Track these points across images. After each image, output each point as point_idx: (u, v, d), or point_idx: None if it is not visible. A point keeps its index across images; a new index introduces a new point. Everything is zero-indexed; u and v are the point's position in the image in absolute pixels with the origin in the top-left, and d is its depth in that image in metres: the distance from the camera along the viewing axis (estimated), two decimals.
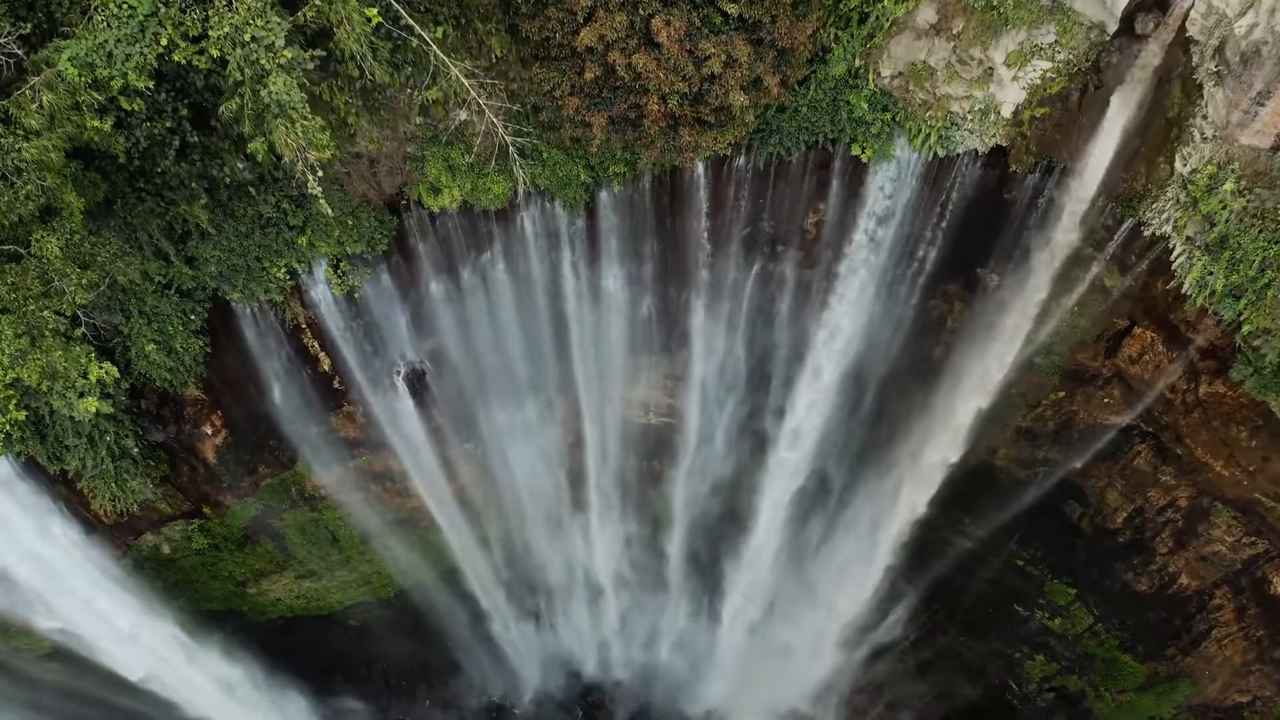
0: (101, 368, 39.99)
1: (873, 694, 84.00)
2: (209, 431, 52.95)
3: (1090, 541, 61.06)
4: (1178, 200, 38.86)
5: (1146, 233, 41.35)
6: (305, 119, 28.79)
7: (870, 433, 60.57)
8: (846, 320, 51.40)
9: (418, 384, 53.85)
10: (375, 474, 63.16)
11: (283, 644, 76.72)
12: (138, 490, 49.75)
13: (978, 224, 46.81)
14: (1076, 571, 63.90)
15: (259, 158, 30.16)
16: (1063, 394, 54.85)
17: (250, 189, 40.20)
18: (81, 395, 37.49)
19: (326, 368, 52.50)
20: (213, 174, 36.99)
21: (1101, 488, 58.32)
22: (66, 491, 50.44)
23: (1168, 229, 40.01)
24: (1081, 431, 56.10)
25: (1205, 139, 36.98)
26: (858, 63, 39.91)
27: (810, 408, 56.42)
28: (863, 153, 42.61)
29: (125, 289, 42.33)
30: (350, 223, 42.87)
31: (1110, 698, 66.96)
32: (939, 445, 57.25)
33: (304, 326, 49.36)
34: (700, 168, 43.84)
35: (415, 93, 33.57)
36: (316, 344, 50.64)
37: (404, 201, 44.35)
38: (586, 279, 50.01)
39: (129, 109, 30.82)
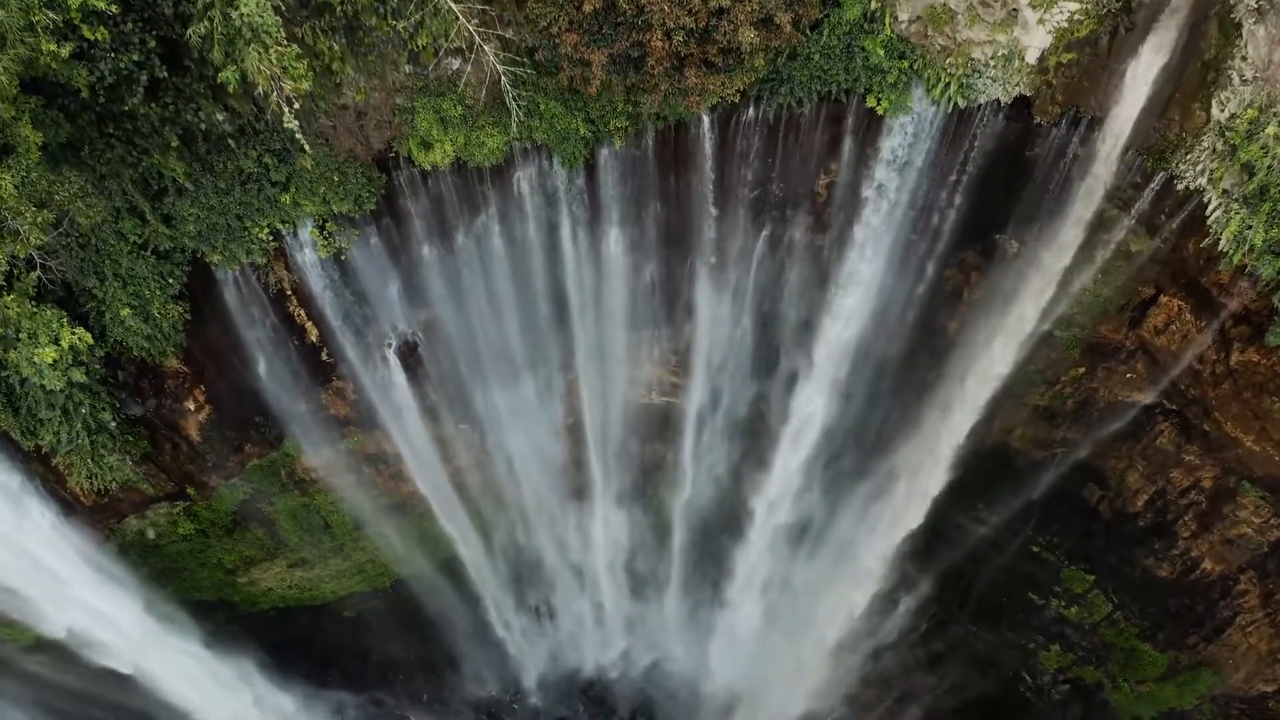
0: (74, 333, 37.49)
1: (881, 687, 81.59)
2: (191, 407, 50.58)
3: (1109, 526, 58.98)
4: (1214, 149, 36.58)
5: (1179, 186, 39.14)
6: (279, 44, 26.51)
7: (881, 412, 57.87)
8: (859, 291, 49.26)
9: (410, 357, 51.56)
10: (368, 456, 60.79)
11: (275, 636, 74.44)
12: (116, 468, 47.32)
13: (998, 184, 44.48)
14: (1095, 557, 61.66)
15: (230, 88, 27.75)
16: (1083, 370, 52.76)
17: (230, 141, 37.87)
18: (46, 347, 34.55)
19: (314, 338, 50.17)
20: (187, 120, 34.64)
21: (1122, 469, 56.13)
22: (42, 469, 47.90)
23: (1202, 181, 37.78)
24: (1102, 410, 54.06)
25: (1245, 81, 34.65)
26: (874, 5, 37.64)
27: (820, 384, 54.15)
28: (878, 104, 40.34)
29: (99, 249, 39.98)
30: (336, 179, 40.48)
31: (1129, 688, 64.66)
32: (953, 426, 54.39)
33: (289, 293, 47.08)
34: (706, 122, 41.54)
35: (403, 25, 30.84)
36: (303, 312, 48.33)
37: (393, 157, 41.93)
38: (586, 244, 47.84)
39: (92, 38, 28.26)
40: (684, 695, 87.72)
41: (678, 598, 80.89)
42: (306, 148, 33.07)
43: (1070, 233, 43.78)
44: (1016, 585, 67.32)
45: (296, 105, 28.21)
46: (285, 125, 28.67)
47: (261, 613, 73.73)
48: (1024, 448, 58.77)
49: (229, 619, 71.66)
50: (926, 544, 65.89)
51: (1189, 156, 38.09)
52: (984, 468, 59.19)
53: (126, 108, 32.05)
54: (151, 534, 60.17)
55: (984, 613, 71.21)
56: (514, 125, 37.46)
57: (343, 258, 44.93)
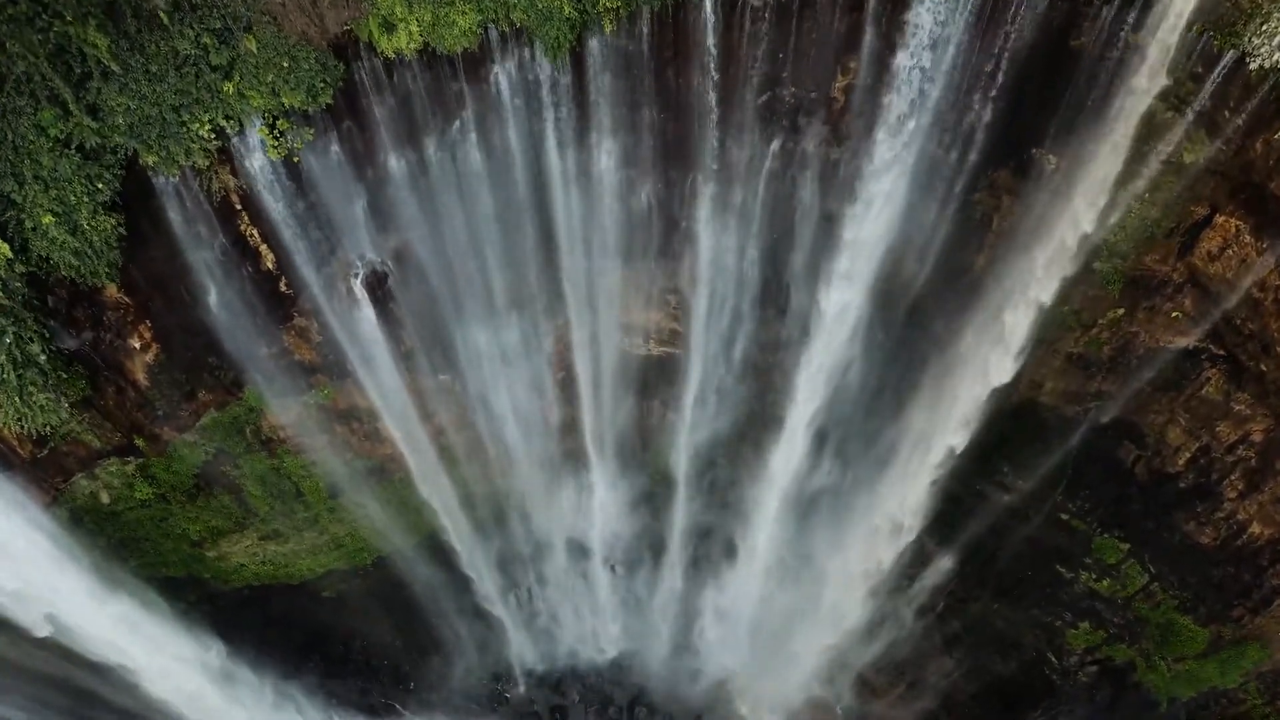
0: None
1: (893, 672, 76.07)
2: (136, 345, 45.46)
3: (1146, 489, 54.57)
4: None
5: (1251, 67, 34.24)
6: None
7: (900, 359, 52.94)
8: (879, 215, 44.48)
9: (379, 290, 46.24)
10: (339, 412, 55.83)
11: (250, 618, 69.62)
12: (49, 409, 42.19)
13: (1037, 87, 39.97)
14: (1129, 524, 57.14)
15: None
16: (1122, 311, 48.32)
17: (162, 16, 32.39)
18: None
19: (270, 265, 45.15)
20: None
21: (1161, 424, 51.74)
22: None
23: None
24: (1141, 357, 49.80)
25: None
26: None
27: (833, 328, 48.81)
28: None
29: (16, 146, 34.61)
30: (286, 65, 35.50)
31: (1165, 667, 59.95)
32: (978, 375, 50.18)
33: (239, 207, 42.07)
34: (709, 4, 35.82)
35: None
36: (256, 233, 43.33)
37: (352, 44, 36.55)
38: (574, 158, 43.13)
39: None
40: (683, 681, 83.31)
41: (678, 575, 76.64)
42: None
43: (1116, 143, 39.32)
44: (1043, 558, 62.67)
45: None
46: None
47: (235, 591, 69.11)
48: (1054, 403, 54.32)
49: (200, 598, 65.94)
50: (946, 515, 61.37)
51: (1265, 27, 33.33)
52: (1009, 428, 55.35)
53: None
54: (106, 497, 55.02)
55: (1007, 588, 66.51)
56: None
57: (296, 160, 39.78)
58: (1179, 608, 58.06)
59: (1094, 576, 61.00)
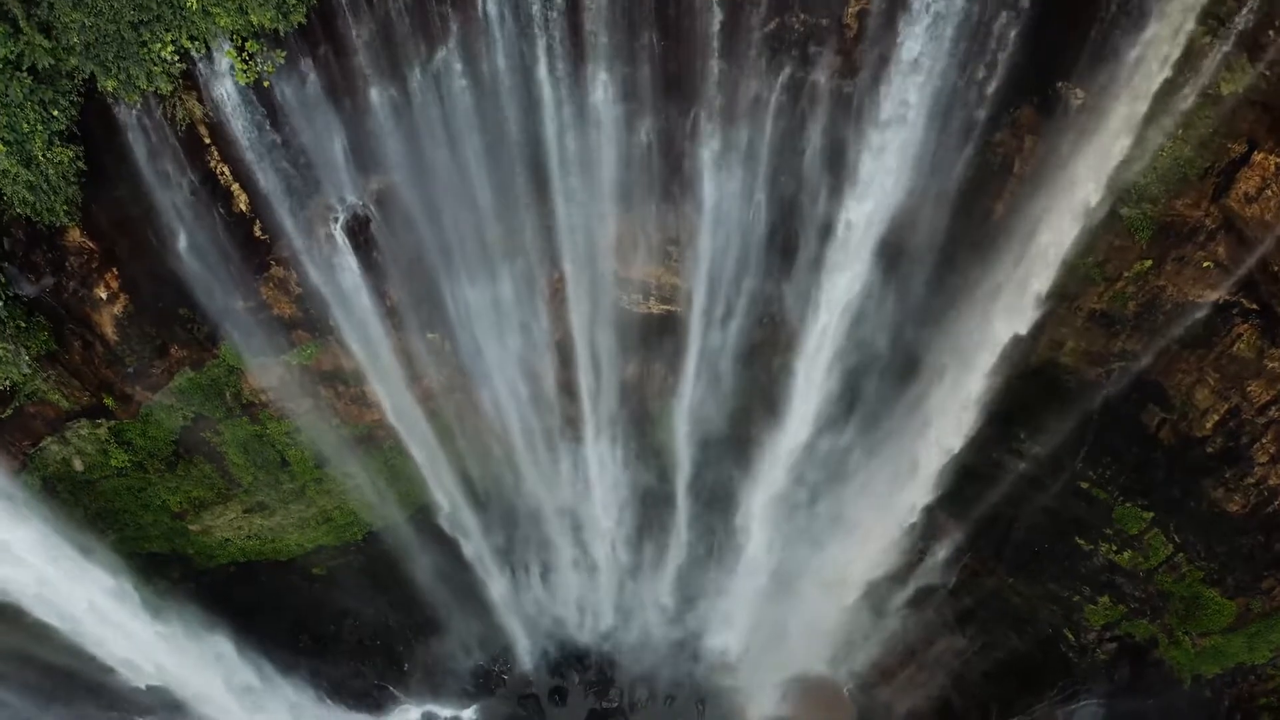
0: None
1: (903, 652, 73.39)
2: (103, 295, 42.75)
3: (1171, 454, 52.20)
4: None
5: None
6: None
7: (912, 318, 50.27)
8: (894, 154, 41.99)
9: (361, 236, 43.24)
10: (323, 374, 53.20)
11: (237, 596, 67.24)
12: (7, 360, 39.55)
13: (1063, 10, 37.47)
14: (1153, 492, 54.77)
15: None
16: (1149, 263, 45.83)
17: None
18: None
19: (244, 207, 42.39)
20: None
21: (1189, 385, 49.55)
22: None
23: None
24: (1169, 313, 47.42)
25: None
26: None
27: (845, 279, 45.65)
28: None
29: None
30: None
31: (1189, 643, 57.76)
32: (996, 332, 47.91)
33: (207, 142, 39.38)
34: None
35: None
36: (227, 171, 40.47)
37: None
38: (569, 90, 40.57)
39: None
40: (687, 661, 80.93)
41: (681, 548, 74.23)
42: None
43: (1148, 73, 36.80)
44: (1061, 529, 60.38)
45: None
46: None
47: (220, 568, 66.80)
48: (1075, 364, 51.95)
49: (184, 575, 63.25)
50: (960, 485, 59.01)
51: None
52: (1027, 391, 53.08)
53: None
54: (79, 465, 52.41)
55: (1023, 562, 64.25)
56: None
57: (267, 85, 36.58)
58: (1205, 579, 55.73)
59: (1115, 548, 58.60)
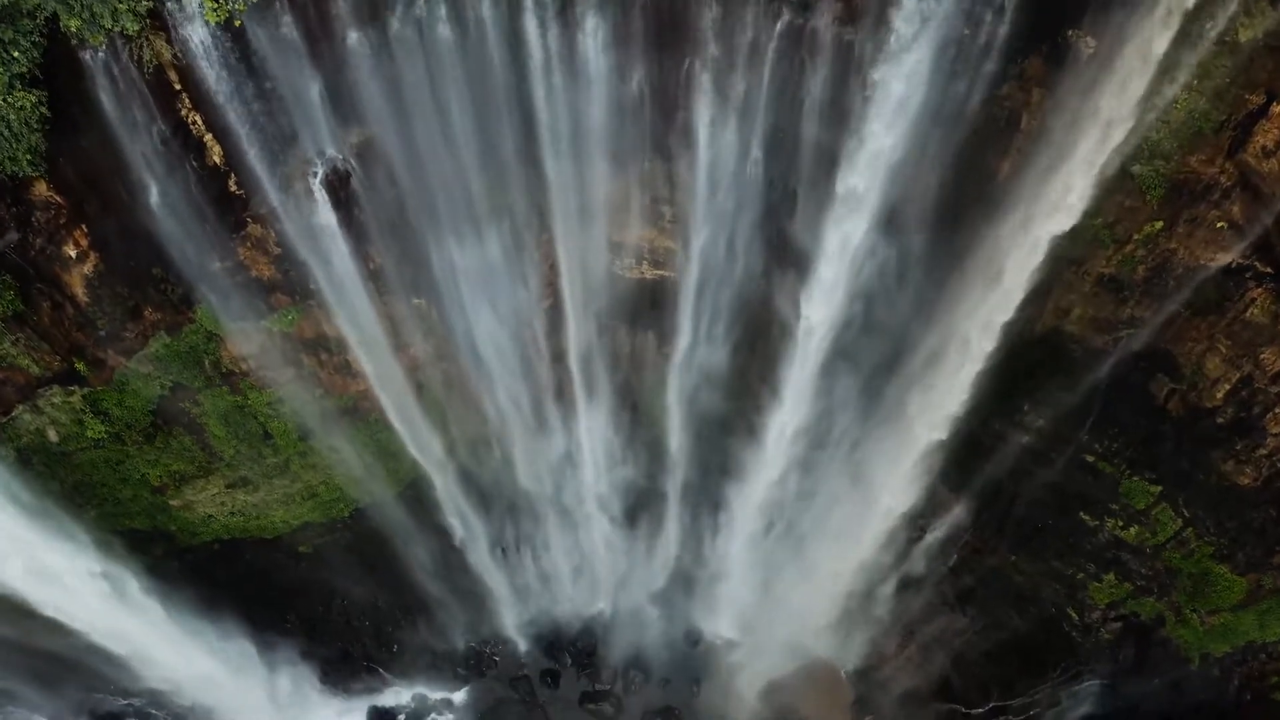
0: None
1: (902, 631, 71.91)
2: (73, 253, 40.95)
3: (1180, 425, 50.81)
4: None
5: None
6: None
7: (913, 284, 48.54)
8: (897, 108, 40.52)
9: (342, 192, 41.35)
10: (305, 341, 51.51)
11: (223, 575, 65.91)
12: None
13: None
14: (1161, 465, 53.35)
15: None
16: (1160, 225, 44.54)
17: None
18: None
19: (218, 159, 40.57)
20: None
21: (1199, 354, 48.10)
22: None
23: None
24: (1179, 277, 46.00)
25: None
26: None
27: (844, 241, 43.96)
28: None
29: None
30: None
31: (1198, 621, 56.40)
32: (1000, 300, 46.68)
33: (178, 88, 37.38)
34: None
35: None
36: (199, 119, 38.67)
37: None
38: (557, 37, 38.87)
39: None
40: (680, 643, 79.92)
41: (675, 525, 73.10)
42: None
43: (1163, 18, 35.30)
44: (1066, 504, 58.83)
45: None
46: None
47: (205, 545, 65.08)
48: (1082, 333, 50.63)
49: (167, 552, 61.86)
50: (961, 458, 57.86)
51: None
52: (1032, 361, 52.07)
53: None
54: (54, 435, 50.65)
55: (1025, 539, 62.74)
56: None
57: (239, 25, 34.48)
58: (1214, 555, 54.18)
59: (1121, 524, 57.08)
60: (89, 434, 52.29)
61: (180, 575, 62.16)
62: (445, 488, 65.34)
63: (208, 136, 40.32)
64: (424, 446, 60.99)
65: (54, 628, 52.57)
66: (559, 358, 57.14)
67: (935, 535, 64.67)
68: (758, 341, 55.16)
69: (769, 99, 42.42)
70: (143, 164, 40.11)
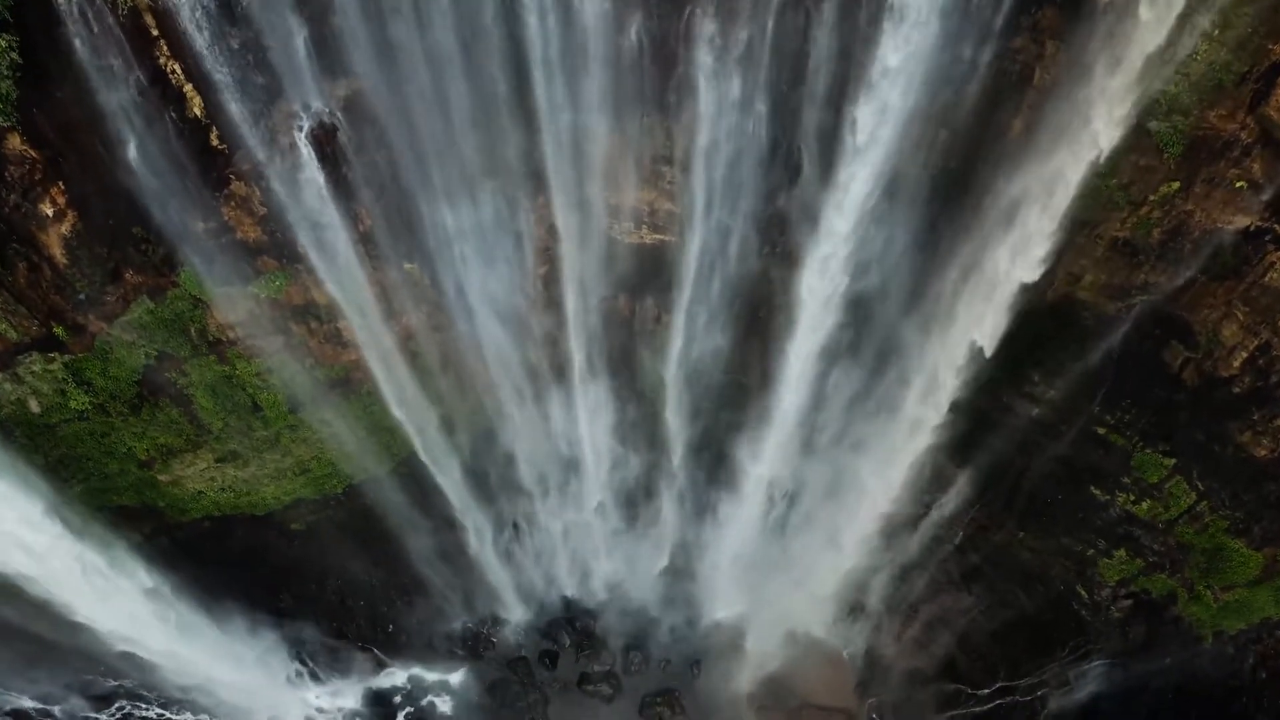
0: None
1: (907, 612, 70.45)
2: (49, 212, 39.36)
3: (1195, 395, 49.57)
4: None
5: None
6: None
7: (921, 248, 47.05)
8: (905, 59, 39.22)
9: (328, 147, 39.57)
10: (295, 309, 50.10)
11: (213, 552, 64.18)
12: None
13: None
14: (1175, 437, 52.13)
15: None
16: (1176, 186, 43.27)
17: None
18: None
19: (198, 111, 39.03)
20: None
21: (1215, 320, 46.90)
22: None
23: None
24: (1196, 240, 44.81)
25: None
26: None
27: (851, 202, 42.21)
28: None
29: None
30: None
31: (1211, 597, 55.33)
32: (1014, 262, 45.56)
33: (155, 34, 35.69)
34: None
35: None
36: (179, 69, 37.18)
37: None
38: None
39: None
40: (681, 622, 78.81)
41: (675, 503, 71.71)
42: None
43: None
44: (1075, 479, 57.61)
45: None
46: None
47: (195, 523, 63.38)
48: (1094, 299, 49.48)
49: (156, 530, 60.31)
50: (967, 432, 56.64)
51: None
52: (1042, 329, 50.92)
53: None
54: (35, 406, 49.23)
55: (1034, 515, 61.42)
56: None
57: None
58: (1230, 529, 52.94)
59: (1133, 498, 55.84)
60: (72, 405, 50.83)
61: (171, 553, 59.96)
62: (439, 462, 64.01)
63: (187, 87, 38.80)
64: (416, 419, 59.45)
65: (41, 608, 51.01)
66: (556, 327, 55.44)
67: (941, 512, 62.86)
68: (761, 307, 53.27)
69: (773, 49, 41.08)
70: (120, 116, 38.66)
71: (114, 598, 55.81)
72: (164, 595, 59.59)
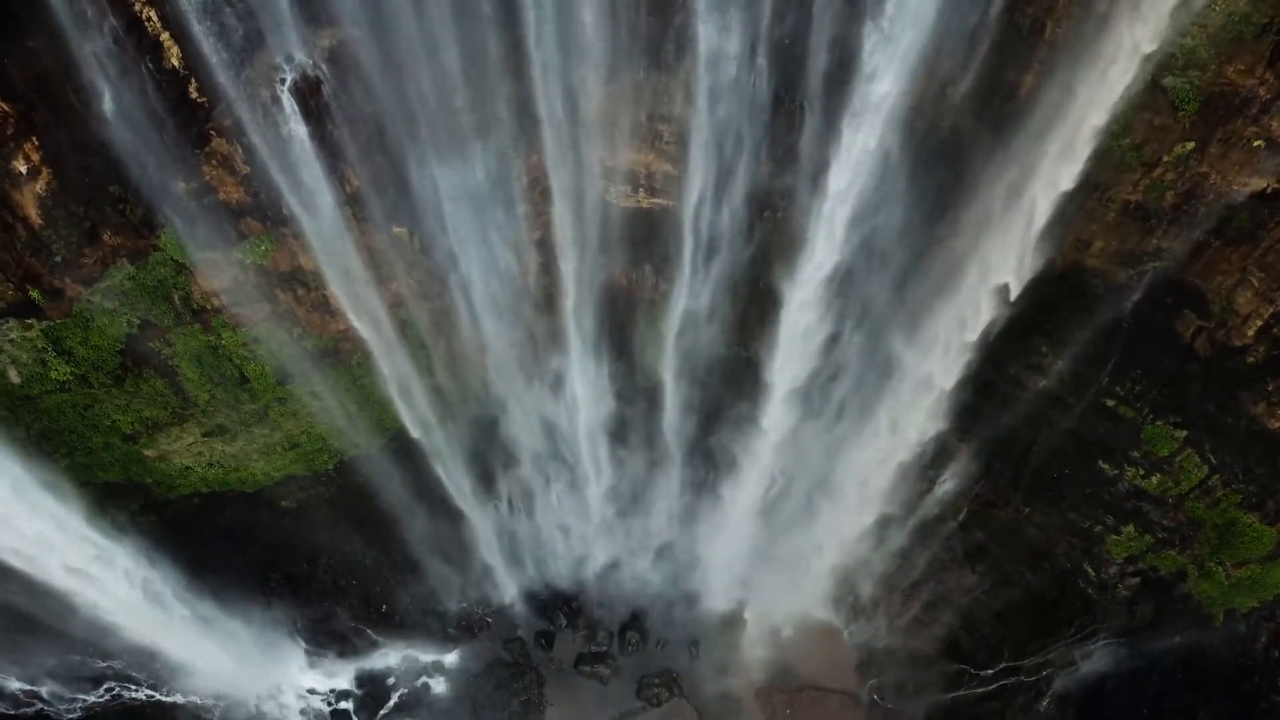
0: None
1: (908, 591, 69.40)
2: (23, 169, 37.94)
3: (1208, 366, 48.36)
4: None
5: None
6: None
7: (925, 212, 46.07)
8: (913, 12, 37.50)
9: (313, 101, 37.93)
10: (281, 275, 48.74)
11: (202, 530, 63.05)
12: None
13: None
14: (1187, 408, 50.97)
15: None
16: (1191, 146, 41.76)
17: None
18: None
19: (176, 61, 37.29)
20: None
21: (1229, 287, 45.66)
22: None
23: None
24: (1210, 204, 43.37)
25: None
26: None
27: (855, 160, 40.94)
28: None
29: None
30: None
31: (1223, 574, 54.37)
32: (1020, 225, 44.26)
33: None
34: None
35: None
36: (155, 16, 35.42)
37: None
38: None
39: None
40: (679, 602, 77.61)
41: (673, 480, 70.54)
42: None
43: None
44: (1084, 452, 56.51)
45: None
46: None
47: (184, 499, 62.11)
48: (1104, 267, 48.13)
49: (143, 507, 59.17)
50: (973, 404, 55.61)
51: None
52: (1050, 299, 49.49)
53: None
54: (15, 376, 48.10)
55: (1040, 490, 60.34)
56: None
57: None
58: (1242, 504, 51.83)
59: (1142, 472, 54.77)
60: (53, 375, 49.59)
61: (159, 531, 58.77)
62: (431, 437, 62.60)
63: (164, 35, 37.25)
64: (407, 392, 57.94)
65: (28, 587, 50.22)
66: (550, 294, 53.73)
67: (945, 487, 61.41)
68: (763, 268, 51.69)
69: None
70: (95, 66, 37.19)
71: (104, 577, 53.74)
72: (152, 575, 57.56)
